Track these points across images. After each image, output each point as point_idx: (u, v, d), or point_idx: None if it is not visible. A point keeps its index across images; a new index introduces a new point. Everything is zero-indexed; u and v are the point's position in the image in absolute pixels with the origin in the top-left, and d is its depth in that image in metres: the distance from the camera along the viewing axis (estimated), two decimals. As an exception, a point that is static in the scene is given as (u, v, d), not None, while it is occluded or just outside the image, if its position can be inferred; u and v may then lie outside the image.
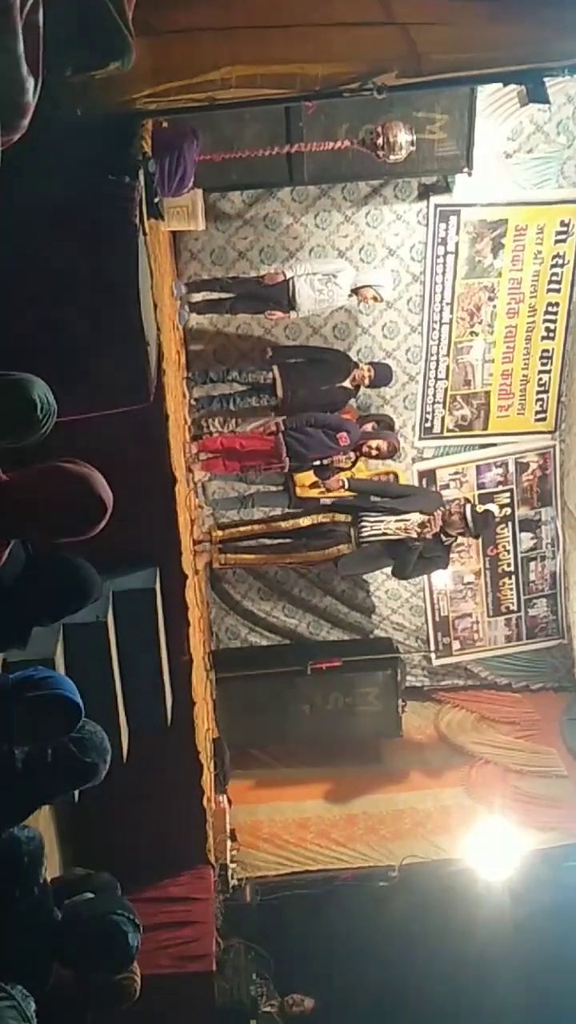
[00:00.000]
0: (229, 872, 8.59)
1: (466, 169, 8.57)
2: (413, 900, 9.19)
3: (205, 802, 7.83)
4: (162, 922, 7.62)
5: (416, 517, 8.42)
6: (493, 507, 9.80)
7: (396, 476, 8.98)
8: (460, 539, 8.84)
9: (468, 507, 8.49)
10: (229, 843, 8.64)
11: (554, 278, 9.59)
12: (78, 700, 3.58)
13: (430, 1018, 8.95)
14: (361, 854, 9.63)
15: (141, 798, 6.86)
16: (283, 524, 8.87)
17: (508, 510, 10.49)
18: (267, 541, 9.01)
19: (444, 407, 10.01)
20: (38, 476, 3.24)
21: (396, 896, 9.29)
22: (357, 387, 9.05)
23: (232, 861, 8.70)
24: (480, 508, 8.93)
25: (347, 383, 8.97)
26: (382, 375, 9.04)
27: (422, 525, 8.39)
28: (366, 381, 8.95)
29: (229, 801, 8.88)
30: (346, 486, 8.64)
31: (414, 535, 8.39)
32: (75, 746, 3.75)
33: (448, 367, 9.82)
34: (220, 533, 8.80)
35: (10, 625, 3.58)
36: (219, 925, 8.22)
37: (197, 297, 8.84)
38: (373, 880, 9.51)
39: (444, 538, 8.52)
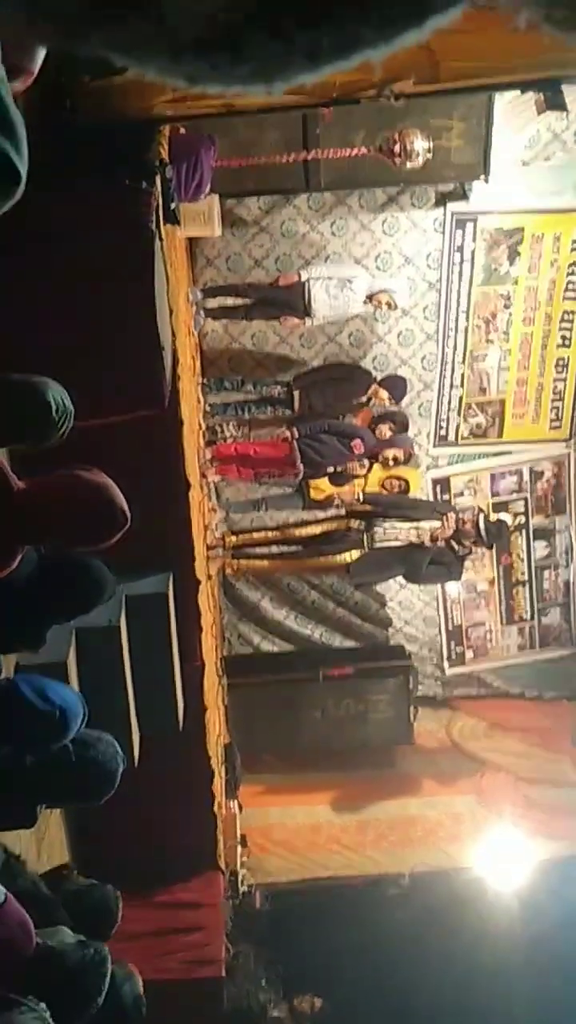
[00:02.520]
0: (239, 878, 8.59)
1: (483, 176, 8.58)
2: (423, 908, 9.16)
3: (216, 808, 7.83)
4: (172, 927, 7.63)
5: (428, 524, 8.42)
6: (506, 517, 9.80)
7: (407, 483, 8.94)
8: (474, 550, 8.82)
9: (481, 517, 8.50)
10: (239, 849, 8.63)
11: (570, 286, 9.57)
12: (41, 708, 3.52)
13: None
14: (372, 860, 9.62)
15: (152, 803, 6.85)
16: (297, 532, 8.87)
17: (522, 518, 10.47)
18: (277, 549, 9.00)
19: (459, 415, 10.00)
20: (56, 484, 3.23)
21: (406, 904, 9.27)
22: (370, 400, 9.05)
23: (242, 867, 8.70)
24: (493, 518, 8.92)
25: (364, 399, 8.97)
26: (398, 389, 9.04)
27: (435, 530, 8.39)
28: (384, 405, 8.96)
29: (240, 807, 8.88)
30: (361, 499, 8.64)
31: (426, 540, 8.39)
32: (78, 762, 3.72)
33: (463, 375, 9.81)
34: (234, 539, 8.80)
35: (24, 626, 3.58)
36: (229, 931, 8.22)
37: (213, 303, 8.85)
38: (383, 887, 9.49)
39: (457, 547, 8.51)
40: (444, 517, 8.45)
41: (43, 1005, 3.30)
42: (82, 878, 4.41)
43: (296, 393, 8.84)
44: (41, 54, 2.55)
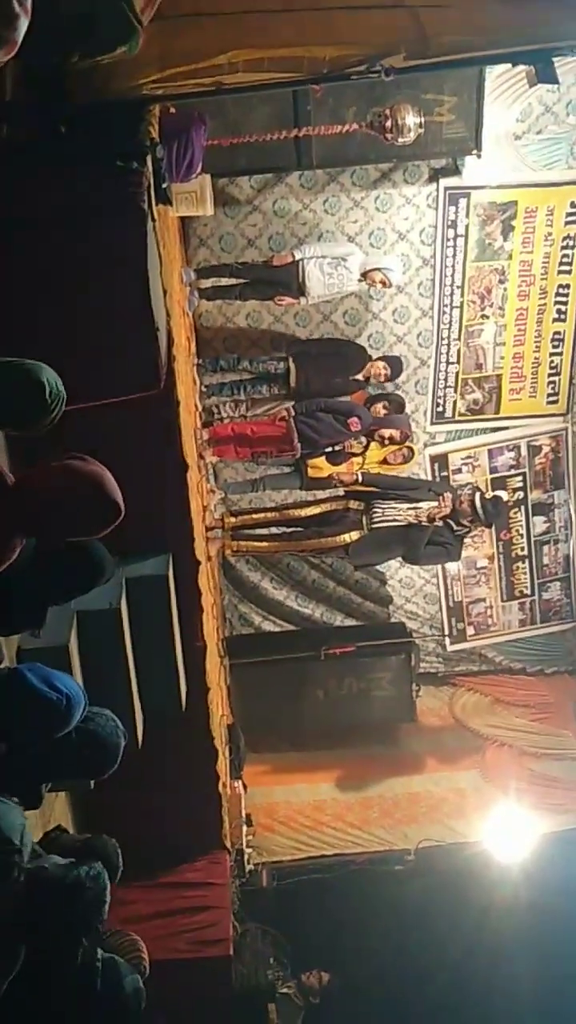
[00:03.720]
0: (245, 857, 8.61)
1: (475, 151, 8.54)
2: (429, 883, 9.21)
3: (220, 787, 7.85)
4: (179, 907, 7.66)
5: (427, 504, 8.41)
6: (503, 494, 9.79)
7: (412, 450, 8.96)
8: (473, 529, 8.81)
9: (478, 495, 8.49)
10: (245, 828, 8.67)
11: (564, 260, 9.54)
12: (49, 695, 3.51)
13: (445, 1000, 8.97)
14: (377, 837, 9.66)
15: (156, 784, 6.88)
16: (296, 512, 8.87)
17: (521, 494, 10.48)
18: (275, 529, 8.99)
19: (456, 391, 9.99)
20: (48, 477, 3.21)
21: (412, 880, 9.31)
22: (368, 379, 9.05)
23: (248, 846, 8.73)
24: (490, 495, 8.91)
25: (360, 376, 8.97)
26: (393, 369, 9.03)
27: (432, 509, 8.38)
28: (382, 378, 8.95)
29: (244, 786, 8.91)
30: (360, 480, 8.63)
31: (424, 520, 8.38)
32: (79, 736, 3.72)
33: (459, 351, 9.79)
34: (233, 520, 8.80)
35: (24, 607, 3.58)
36: (235, 910, 8.25)
37: (206, 283, 8.83)
38: (389, 864, 9.53)
39: (455, 527, 8.50)
40: (440, 497, 8.44)
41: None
42: (75, 834, 4.40)
43: (292, 367, 8.83)
44: (23, 24, 2.55)
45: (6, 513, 3.15)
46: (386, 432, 8.82)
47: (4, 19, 2.56)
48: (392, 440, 8.85)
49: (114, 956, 3.81)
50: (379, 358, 9.08)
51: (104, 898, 3.67)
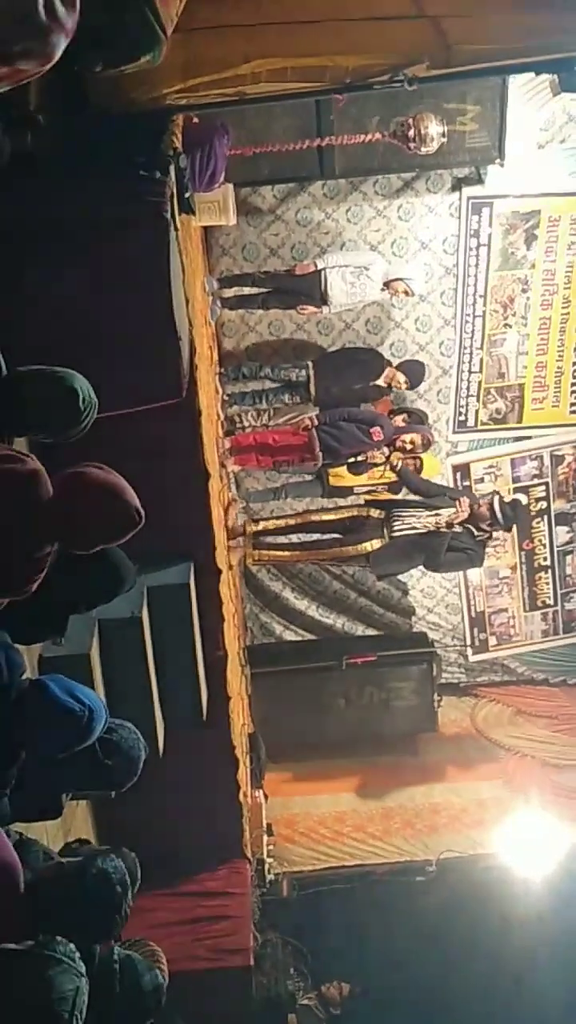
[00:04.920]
0: (266, 867, 8.60)
1: (498, 160, 8.53)
2: (450, 895, 9.16)
3: (241, 797, 7.84)
4: (199, 916, 7.65)
5: (446, 511, 8.39)
6: (521, 497, 9.76)
7: (422, 462, 8.92)
8: (493, 534, 8.77)
9: (496, 498, 8.46)
10: (265, 838, 8.65)
11: (588, 269, 9.52)
12: (72, 706, 3.49)
13: (468, 1013, 8.92)
14: (398, 848, 9.61)
15: (177, 793, 6.88)
16: (317, 516, 8.85)
17: (544, 503, 10.43)
18: (296, 538, 8.97)
19: (478, 400, 9.96)
20: (67, 486, 3.21)
21: (433, 891, 9.26)
22: (390, 386, 9.04)
23: (269, 856, 8.71)
24: (508, 499, 8.89)
25: (380, 382, 8.96)
26: (415, 374, 9.00)
27: (451, 515, 8.35)
28: (400, 386, 8.93)
29: (265, 796, 8.89)
30: (397, 467, 8.60)
31: (443, 526, 8.35)
32: (101, 748, 3.72)
33: (482, 360, 9.77)
34: (254, 527, 8.79)
35: (46, 614, 3.58)
36: (256, 920, 8.24)
37: (229, 293, 8.85)
38: (410, 875, 9.48)
39: (476, 532, 8.47)
40: (457, 501, 8.41)
41: (71, 946, 3.22)
42: (95, 846, 4.39)
43: (310, 365, 8.85)
44: (58, 39, 2.52)
45: (41, 523, 3.15)
46: (407, 436, 8.79)
47: (33, 31, 2.54)
48: (414, 444, 8.82)
49: (131, 954, 3.77)
50: (400, 363, 9.07)
51: (126, 881, 3.64)
